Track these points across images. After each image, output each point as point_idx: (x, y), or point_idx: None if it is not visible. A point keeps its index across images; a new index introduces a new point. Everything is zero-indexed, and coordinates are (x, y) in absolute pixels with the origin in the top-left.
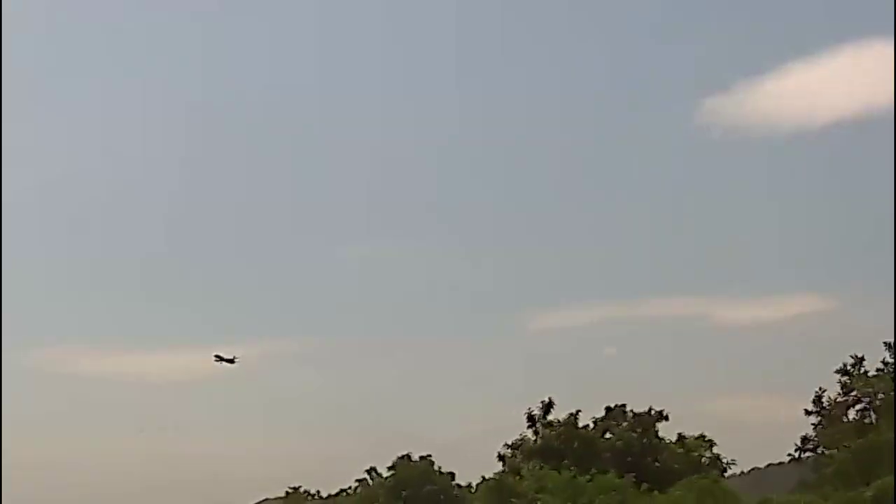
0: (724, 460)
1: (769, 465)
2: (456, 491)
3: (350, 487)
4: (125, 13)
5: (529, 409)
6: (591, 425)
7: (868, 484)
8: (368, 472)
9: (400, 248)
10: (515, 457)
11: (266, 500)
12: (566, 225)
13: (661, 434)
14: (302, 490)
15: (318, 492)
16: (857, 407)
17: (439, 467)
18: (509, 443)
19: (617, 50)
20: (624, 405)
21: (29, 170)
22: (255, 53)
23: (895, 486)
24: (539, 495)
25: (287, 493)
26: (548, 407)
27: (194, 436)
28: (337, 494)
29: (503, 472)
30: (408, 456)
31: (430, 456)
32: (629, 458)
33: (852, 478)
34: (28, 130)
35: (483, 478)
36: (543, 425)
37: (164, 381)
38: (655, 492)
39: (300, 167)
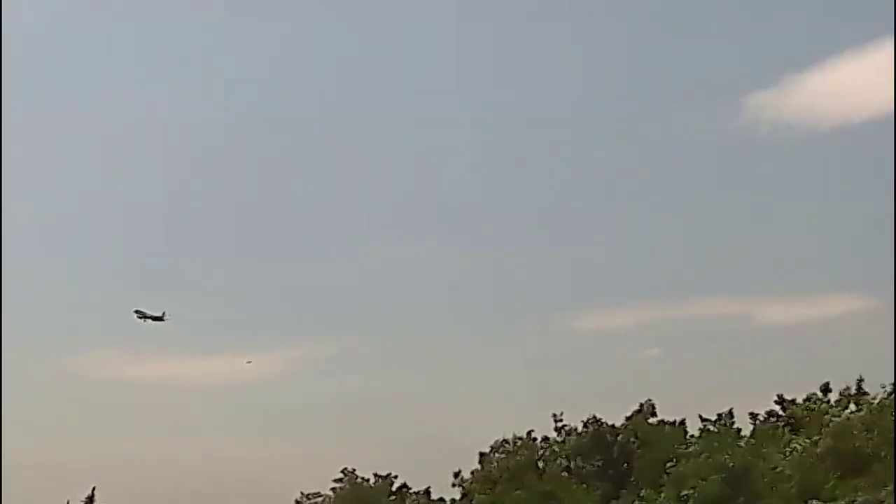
0: None
1: None
2: None
3: None
4: (129, 13)
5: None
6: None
7: None
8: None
9: (436, 248)
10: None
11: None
12: (608, 224)
13: None
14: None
15: None
16: None
17: None
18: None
19: (660, 45)
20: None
21: (59, 174)
22: (280, 52)
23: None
24: None
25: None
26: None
27: (229, 439)
28: None
29: None
30: None
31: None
32: None
33: None
34: (55, 133)
35: None
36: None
37: (198, 386)
38: None
39: (327, 169)
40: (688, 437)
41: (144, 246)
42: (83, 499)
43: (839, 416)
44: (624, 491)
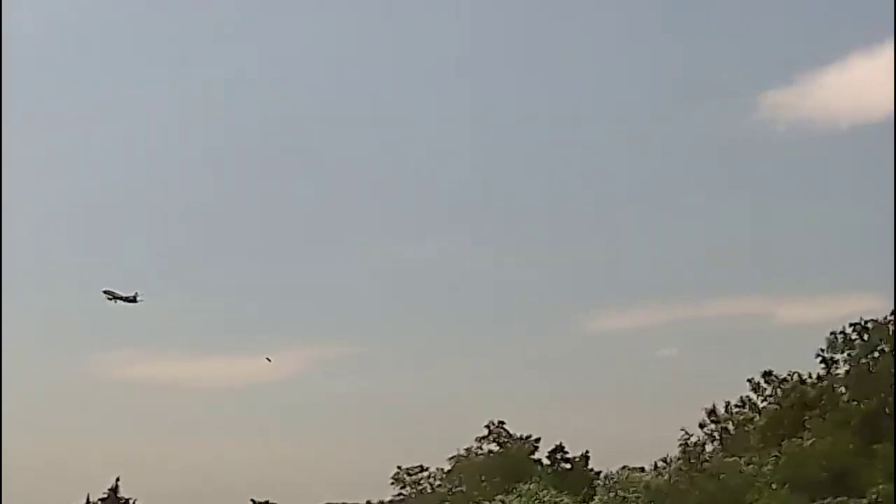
0: None
1: None
2: None
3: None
4: (130, 15)
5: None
6: None
7: None
8: None
9: (453, 248)
10: None
11: None
12: (624, 224)
13: None
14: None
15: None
16: None
17: None
18: None
19: (675, 43)
20: None
21: (69, 175)
22: (282, 53)
23: (895, 488)
24: None
25: None
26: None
27: (237, 439)
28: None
29: None
30: None
31: None
32: None
33: None
34: (68, 134)
35: None
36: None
37: (205, 386)
38: None
39: (333, 169)
40: None
41: (155, 246)
42: (107, 489)
43: None
44: None
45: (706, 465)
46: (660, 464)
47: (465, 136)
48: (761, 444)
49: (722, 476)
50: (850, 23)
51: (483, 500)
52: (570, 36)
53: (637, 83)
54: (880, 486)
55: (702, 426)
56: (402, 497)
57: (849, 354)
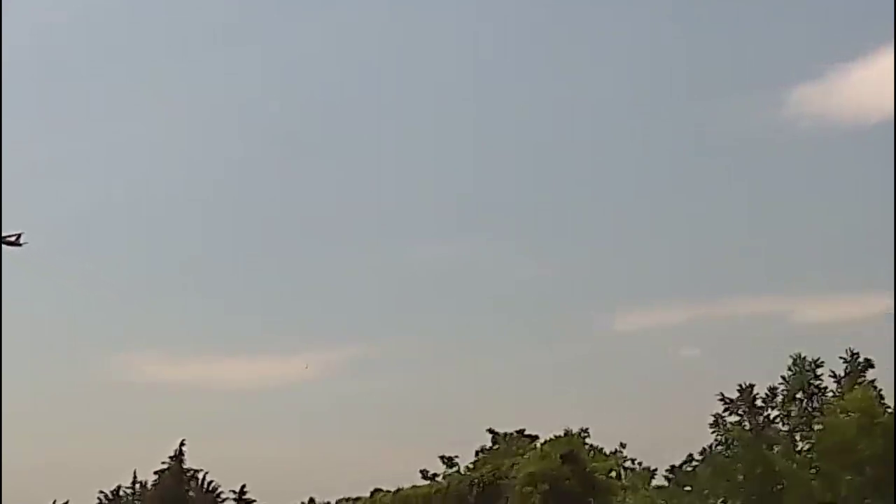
0: None
1: None
2: None
3: None
4: (146, 15)
5: None
6: None
7: None
8: None
9: (469, 248)
10: None
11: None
12: (645, 223)
13: None
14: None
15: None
16: None
17: None
18: None
19: (698, 36)
20: None
21: (96, 176)
22: (300, 54)
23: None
24: None
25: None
26: None
27: (268, 440)
28: None
29: None
30: None
31: None
32: None
33: None
34: (96, 136)
35: None
36: None
37: (236, 387)
38: None
39: (354, 171)
40: None
41: (184, 247)
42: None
43: None
44: None
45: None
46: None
47: (484, 135)
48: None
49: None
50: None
51: None
52: (590, 30)
53: (659, 78)
54: None
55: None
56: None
57: None
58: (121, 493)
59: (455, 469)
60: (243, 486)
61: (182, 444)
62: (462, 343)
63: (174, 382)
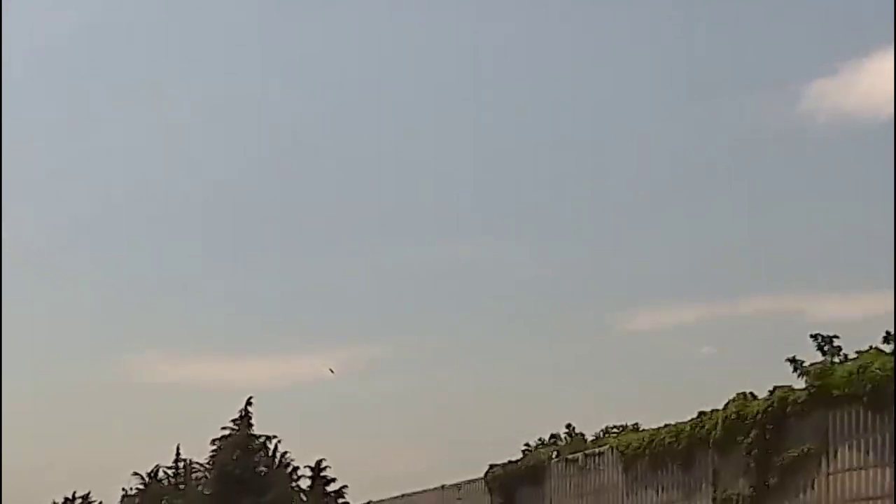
0: None
1: None
2: None
3: None
4: (154, 15)
5: None
6: None
7: None
8: None
9: (483, 248)
10: None
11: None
12: (659, 221)
13: None
14: None
15: None
16: None
17: None
18: None
19: (710, 29)
20: None
21: (113, 175)
22: (310, 50)
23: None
24: None
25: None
26: None
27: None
28: None
29: None
30: None
31: None
32: None
33: None
34: (110, 135)
35: None
36: None
37: (253, 388)
38: None
39: (366, 170)
40: None
41: (199, 245)
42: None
43: None
44: None
45: None
46: None
47: (499, 134)
48: None
49: None
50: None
51: None
52: (602, 27)
53: (676, 74)
54: None
55: None
56: None
57: None
58: (159, 474)
59: None
60: (320, 461)
61: (249, 401)
62: (465, 343)
63: (175, 383)
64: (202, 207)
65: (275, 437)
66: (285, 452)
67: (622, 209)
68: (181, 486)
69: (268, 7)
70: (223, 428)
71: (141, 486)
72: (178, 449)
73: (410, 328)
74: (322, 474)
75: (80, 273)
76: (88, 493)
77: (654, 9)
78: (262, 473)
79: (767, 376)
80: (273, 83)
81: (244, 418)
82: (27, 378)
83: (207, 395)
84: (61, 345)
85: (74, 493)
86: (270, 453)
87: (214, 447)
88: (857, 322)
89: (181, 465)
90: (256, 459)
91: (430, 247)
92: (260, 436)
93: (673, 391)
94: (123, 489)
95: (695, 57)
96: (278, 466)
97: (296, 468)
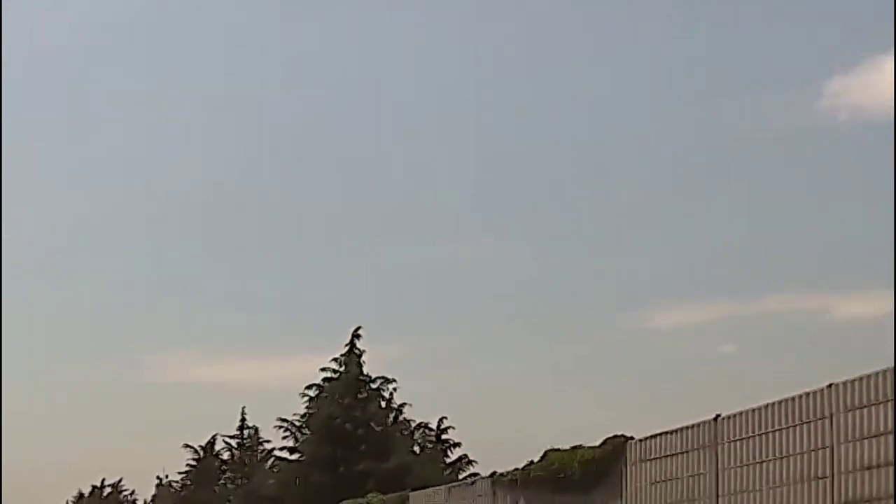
0: None
1: None
2: None
3: None
4: (154, 14)
5: None
6: None
7: None
8: None
9: (500, 246)
10: None
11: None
12: (679, 219)
13: None
14: None
15: None
16: None
17: None
18: None
19: (728, 25)
20: None
21: (113, 175)
22: (316, 49)
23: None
24: None
25: None
26: None
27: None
28: None
29: None
30: None
31: None
32: None
33: None
34: (131, 134)
35: None
36: None
37: (254, 388)
38: None
39: (378, 169)
40: None
41: (223, 245)
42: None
43: None
44: None
45: None
46: None
47: (499, 134)
48: None
49: None
50: None
51: None
52: (614, 25)
53: (676, 75)
54: None
55: None
56: None
57: None
58: (215, 445)
59: None
60: (442, 419)
61: (356, 332)
62: (465, 343)
63: (175, 382)
64: (202, 207)
65: (393, 380)
66: (403, 404)
67: (640, 208)
68: (246, 461)
69: (268, 7)
70: (322, 369)
71: (193, 462)
72: (242, 412)
73: (410, 328)
74: (443, 437)
75: (80, 273)
76: (120, 480)
77: (654, 8)
78: (380, 430)
79: (787, 375)
80: (273, 83)
81: (350, 353)
82: (27, 378)
83: (208, 395)
84: (61, 345)
85: (103, 480)
86: (384, 404)
87: (307, 397)
88: (879, 321)
89: (246, 432)
90: (372, 411)
91: (430, 247)
92: (375, 378)
93: (692, 390)
94: (158, 477)
95: (698, 57)
96: (394, 423)
97: (416, 427)
